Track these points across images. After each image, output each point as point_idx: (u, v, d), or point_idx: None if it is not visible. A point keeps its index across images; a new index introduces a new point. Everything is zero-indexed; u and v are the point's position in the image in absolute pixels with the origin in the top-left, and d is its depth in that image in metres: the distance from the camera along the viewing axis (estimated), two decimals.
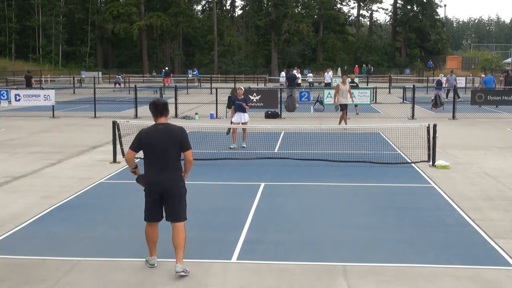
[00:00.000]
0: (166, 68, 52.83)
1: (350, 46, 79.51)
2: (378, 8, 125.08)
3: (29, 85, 36.16)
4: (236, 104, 14.89)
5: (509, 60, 79.79)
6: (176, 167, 6.06)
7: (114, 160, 12.62)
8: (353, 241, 7.19)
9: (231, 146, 14.59)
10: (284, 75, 35.05)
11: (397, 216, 8.35)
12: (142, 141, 6.04)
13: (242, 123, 14.77)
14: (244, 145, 14.69)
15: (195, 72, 56.85)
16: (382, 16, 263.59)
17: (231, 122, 15.11)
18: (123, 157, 12.56)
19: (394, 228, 7.76)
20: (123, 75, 50.11)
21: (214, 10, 76.26)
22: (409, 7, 75.29)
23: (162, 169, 5.97)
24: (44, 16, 67.69)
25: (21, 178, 11.11)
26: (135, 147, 6.11)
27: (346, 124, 18.28)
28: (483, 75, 33.35)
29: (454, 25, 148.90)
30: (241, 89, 15.25)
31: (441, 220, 8.16)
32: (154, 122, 6.18)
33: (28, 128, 19.26)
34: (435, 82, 29.16)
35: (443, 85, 29.26)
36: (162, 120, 6.13)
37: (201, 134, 15.90)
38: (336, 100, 19.12)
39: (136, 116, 22.09)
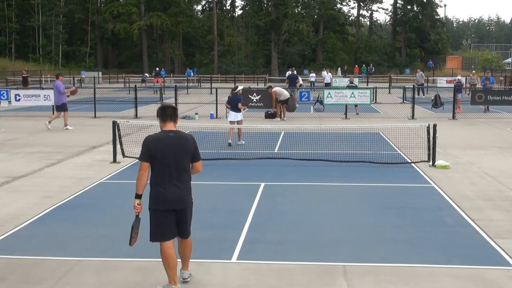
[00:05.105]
0: (157, 68, 52.44)
1: (350, 46, 79.52)
2: (378, 8, 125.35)
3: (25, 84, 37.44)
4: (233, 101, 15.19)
5: (509, 60, 79.84)
6: (189, 179, 5.56)
7: (114, 160, 12.62)
8: (353, 241, 7.19)
9: (229, 141, 14.91)
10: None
11: (397, 216, 8.35)
12: (152, 150, 5.34)
13: (237, 122, 15.10)
14: (240, 143, 14.94)
15: (187, 72, 56.84)
16: (382, 16, 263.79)
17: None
18: (123, 157, 12.63)
19: (394, 228, 7.76)
20: (150, 74, 49.96)
21: (214, 10, 76.29)
22: (409, 7, 75.31)
23: (177, 183, 5.40)
24: (44, 16, 67.72)
25: (21, 178, 11.11)
26: (146, 156, 5.35)
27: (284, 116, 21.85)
28: (471, 75, 33.76)
29: (454, 25, 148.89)
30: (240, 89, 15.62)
31: (441, 220, 8.16)
32: (158, 127, 5.62)
33: (28, 128, 19.25)
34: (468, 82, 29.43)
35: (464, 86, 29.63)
36: (170, 126, 5.49)
37: (201, 134, 15.89)
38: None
39: (136, 116, 22.10)
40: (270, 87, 23.32)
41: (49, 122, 19.13)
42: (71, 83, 46.90)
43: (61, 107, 19.15)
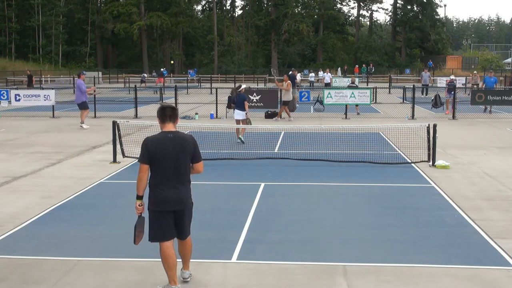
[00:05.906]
0: (161, 69, 52.41)
1: (350, 46, 79.57)
2: (378, 8, 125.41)
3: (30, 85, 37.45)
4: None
5: (509, 60, 79.89)
6: (189, 180, 5.53)
7: (114, 160, 12.62)
8: (353, 241, 7.19)
9: (237, 141, 15.22)
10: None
11: (397, 216, 8.35)
12: (151, 152, 5.31)
13: (241, 121, 15.34)
14: (239, 141, 15.06)
15: (191, 74, 57.01)
16: (382, 16, 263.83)
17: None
18: (123, 157, 12.63)
19: (394, 228, 7.76)
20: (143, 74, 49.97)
21: (214, 10, 76.31)
22: (409, 7, 75.34)
23: (176, 184, 5.39)
24: (44, 16, 67.74)
25: (21, 178, 11.10)
26: (145, 158, 5.34)
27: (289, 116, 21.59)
28: (472, 75, 33.83)
29: (454, 25, 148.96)
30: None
31: (441, 220, 8.16)
32: (158, 127, 5.58)
33: (28, 128, 19.26)
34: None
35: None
36: (170, 127, 5.46)
37: (201, 134, 15.88)
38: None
39: (136, 116, 22.11)
40: (287, 75, 23.72)
41: (82, 122, 19.42)
42: (71, 83, 46.89)
43: (81, 105, 19.47)
